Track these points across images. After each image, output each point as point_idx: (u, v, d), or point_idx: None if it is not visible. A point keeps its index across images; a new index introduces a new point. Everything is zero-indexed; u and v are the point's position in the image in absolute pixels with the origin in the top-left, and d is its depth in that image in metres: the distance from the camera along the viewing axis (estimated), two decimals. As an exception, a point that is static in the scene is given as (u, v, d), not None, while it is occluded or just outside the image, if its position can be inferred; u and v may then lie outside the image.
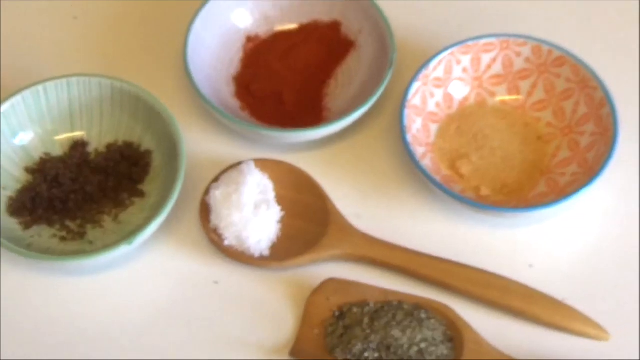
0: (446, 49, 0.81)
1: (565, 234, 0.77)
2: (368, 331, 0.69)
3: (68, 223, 0.77)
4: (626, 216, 0.78)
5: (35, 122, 0.79)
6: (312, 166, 0.79)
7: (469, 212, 0.77)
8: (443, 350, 0.69)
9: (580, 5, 0.91)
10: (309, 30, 0.87)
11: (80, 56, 0.87)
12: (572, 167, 0.78)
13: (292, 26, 0.88)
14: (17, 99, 0.78)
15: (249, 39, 0.87)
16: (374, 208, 0.79)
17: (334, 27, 0.87)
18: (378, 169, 0.81)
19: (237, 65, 0.86)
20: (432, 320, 0.70)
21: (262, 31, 0.87)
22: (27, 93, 0.78)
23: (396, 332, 0.69)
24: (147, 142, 0.79)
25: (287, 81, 0.84)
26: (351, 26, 0.86)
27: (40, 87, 0.78)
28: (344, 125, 0.79)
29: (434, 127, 0.81)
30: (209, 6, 0.84)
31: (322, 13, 0.87)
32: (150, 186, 0.78)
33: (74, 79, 0.79)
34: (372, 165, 0.81)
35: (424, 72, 0.80)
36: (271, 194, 0.77)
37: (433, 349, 0.69)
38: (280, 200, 0.77)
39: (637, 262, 0.76)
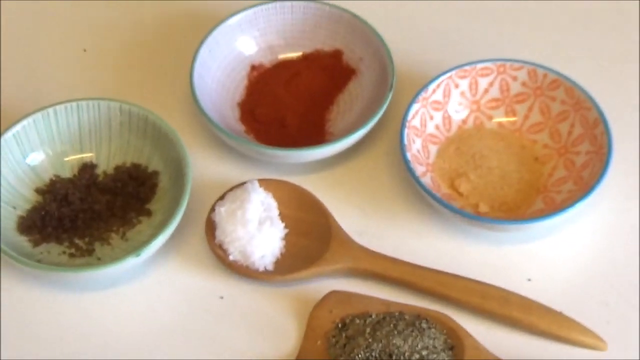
0: (444, 72, 0.84)
1: (563, 249, 0.79)
2: (370, 340, 0.71)
3: (77, 240, 0.78)
4: (622, 231, 0.80)
5: (45, 143, 0.81)
6: (316, 187, 0.81)
7: (468, 228, 0.79)
8: (444, 357, 0.70)
9: (572, 29, 0.95)
10: (311, 59, 0.90)
11: (90, 85, 0.90)
12: (568, 185, 0.80)
13: (296, 55, 0.90)
14: (28, 121, 0.80)
15: (254, 67, 0.89)
16: (376, 226, 0.80)
17: (336, 55, 0.90)
18: (379, 189, 0.83)
19: (242, 91, 0.88)
20: (433, 330, 0.71)
21: (267, 60, 0.90)
22: (38, 116, 0.81)
23: (398, 341, 0.70)
24: (154, 163, 0.81)
25: (290, 107, 0.87)
26: (353, 54, 0.89)
27: (50, 110, 0.81)
28: (345, 146, 0.81)
29: (433, 149, 0.83)
30: (214, 35, 0.87)
31: (324, 42, 0.90)
32: (157, 205, 0.80)
33: (83, 103, 0.82)
34: (374, 185, 0.83)
35: (423, 95, 0.83)
36: (275, 212, 0.79)
37: (434, 356, 0.70)
38: (283, 218, 0.79)
39: (633, 276, 0.77)
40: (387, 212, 0.81)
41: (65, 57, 0.93)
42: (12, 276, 0.78)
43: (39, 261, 0.76)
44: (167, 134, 0.80)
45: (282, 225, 0.78)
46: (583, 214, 0.80)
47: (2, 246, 0.74)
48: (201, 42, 0.86)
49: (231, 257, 0.76)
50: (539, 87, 0.84)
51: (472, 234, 0.79)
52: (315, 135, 0.85)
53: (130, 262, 0.74)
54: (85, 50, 0.94)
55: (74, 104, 0.81)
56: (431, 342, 0.71)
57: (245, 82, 0.89)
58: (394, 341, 0.70)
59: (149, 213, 0.80)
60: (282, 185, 0.81)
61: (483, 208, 0.80)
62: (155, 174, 0.81)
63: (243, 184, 0.80)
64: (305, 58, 0.90)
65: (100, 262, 0.76)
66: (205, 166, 0.84)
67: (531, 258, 0.79)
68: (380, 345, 0.70)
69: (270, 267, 0.77)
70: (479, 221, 0.77)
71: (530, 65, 0.84)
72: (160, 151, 0.81)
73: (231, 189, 0.80)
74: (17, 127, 0.80)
